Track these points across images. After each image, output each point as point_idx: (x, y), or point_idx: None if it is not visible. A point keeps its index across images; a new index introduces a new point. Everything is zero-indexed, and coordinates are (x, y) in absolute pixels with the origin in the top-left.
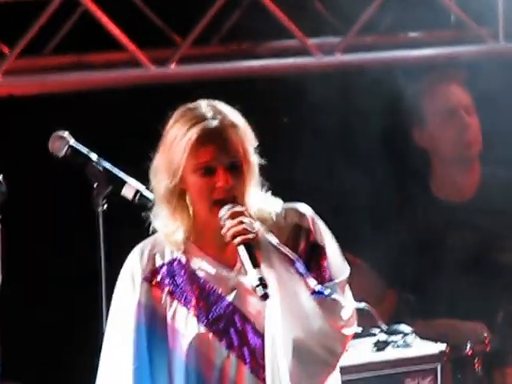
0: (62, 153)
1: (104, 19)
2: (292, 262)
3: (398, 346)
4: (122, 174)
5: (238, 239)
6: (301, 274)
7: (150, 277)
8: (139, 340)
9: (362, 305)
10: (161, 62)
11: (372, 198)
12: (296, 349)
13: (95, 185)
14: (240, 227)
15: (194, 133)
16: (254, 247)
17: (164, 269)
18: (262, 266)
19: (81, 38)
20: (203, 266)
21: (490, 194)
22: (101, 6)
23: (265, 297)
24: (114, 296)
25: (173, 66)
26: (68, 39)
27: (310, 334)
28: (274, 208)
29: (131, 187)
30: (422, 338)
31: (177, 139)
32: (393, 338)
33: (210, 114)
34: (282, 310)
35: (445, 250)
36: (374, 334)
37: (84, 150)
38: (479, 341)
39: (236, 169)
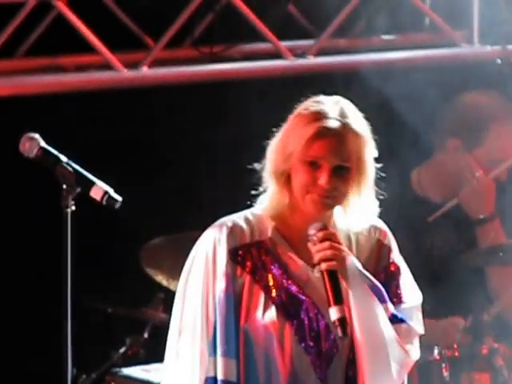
0: (33, 154)
1: (76, 22)
2: (375, 289)
3: None
4: (90, 176)
5: (325, 265)
6: (382, 301)
7: (235, 252)
8: (229, 309)
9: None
10: (133, 65)
11: None
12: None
13: (64, 186)
14: (329, 253)
15: (314, 127)
16: (338, 274)
17: (249, 247)
18: (347, 294)
19: (53, 41)
20: (287, 256)
21: None
22: (73, 9)
23: (344, 336)
24: (193, 263)
25: (145, 69)
26: (40, 42)
27: (387, 360)
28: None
29: (99, 189)
30: None
31: (296, 128)
32: None
33: (334, 114)
34: (362, 337)
35: (421, 251)
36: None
37: (54, 151)
38: (459, 330)
39: (342, 173)
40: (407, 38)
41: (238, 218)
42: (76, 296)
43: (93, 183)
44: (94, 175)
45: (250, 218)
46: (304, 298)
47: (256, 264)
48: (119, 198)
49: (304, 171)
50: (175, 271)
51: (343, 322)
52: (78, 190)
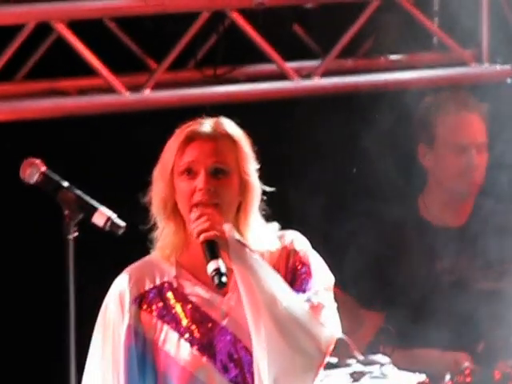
0: (34, 180)
1: (77, 44)
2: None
3: (374, 377)
4: (93, 201)
5: (202, 236)
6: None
7: (140, 300)
8: (131, 363)
9: (339, 334)
10: (135, 88)
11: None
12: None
13: (66, 212)
14: (206, 225)
15: (184, 132)
16: (217, 244)
17: (154, 292)
18: (232, 262)
19: (53, 64)
20: (195, 291)
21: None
22: (74, 31)
23: (221, 285)
24: (100, 319)
25: (147, 91)
26: (40, 65)
27: (291, 317)
28: (271, 237)
29: (102, 214)
30: (399, 368)
31: (169, 143)
32: (369, 368)
33: (206, 122)
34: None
35: (430, 276)
36: (350, 365)
37: (55, 177)
38: (459, 371)
39: (221, 176)
40: (415, 57)
41: (139, 264)
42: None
43: (95, 209)
44: (97, 201)
45: (152, 260)
46: (218, 329)
47: (163, 307)
48: (123, 224)
49: (182, 183)
50: None
51: (217, 271)
52: (81, 216)
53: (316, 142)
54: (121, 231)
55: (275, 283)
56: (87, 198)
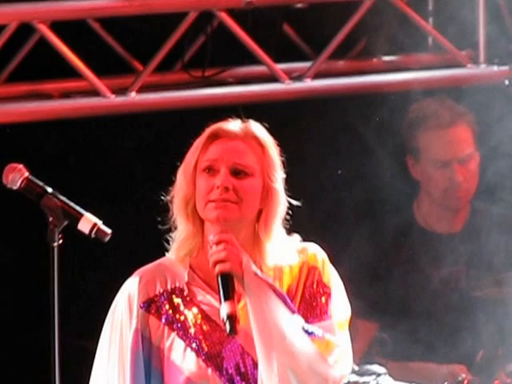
0: (17, 185)
1: (60, 46)
2: (280, 297)
3: None
4: (78, 208)
5: (218, 268)
6: (291, 311)
7: (148, 304)
8: (138, 368)
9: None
10: (121, 91)
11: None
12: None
13: (50, 219)
14: (222, 255)
15: (210, 130)
16: (232, 278)
17: (164, 297)
18: (245, 298)
19: (36, 66)
20: (206, 299)
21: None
22: (57, 32)
23: (232, 332)
24: (108, 321)
25: (133, 94)
26: (23, 67)
27: (298, 358)
28: (292, 251)
29: (88, 221)
30: (395, 379)
31: (194, 144)
32: (365, 378)
33: (235, 122)
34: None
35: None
36: None
37: (39, 182)
38: (456, 382)
39: (243, 176)
40: (409, 58)
41: (151, 266)
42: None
43: (81, 215)
44: (82, 207)
45: (165, 264)
46: (227, 340)
47: (172, 313)
48: (109, 231)
49: (201, 180)
50: None
51: (231, 318)
52: (66, 222)
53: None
54: (107, 238)
55: (287, 320)
56: (72, 204)
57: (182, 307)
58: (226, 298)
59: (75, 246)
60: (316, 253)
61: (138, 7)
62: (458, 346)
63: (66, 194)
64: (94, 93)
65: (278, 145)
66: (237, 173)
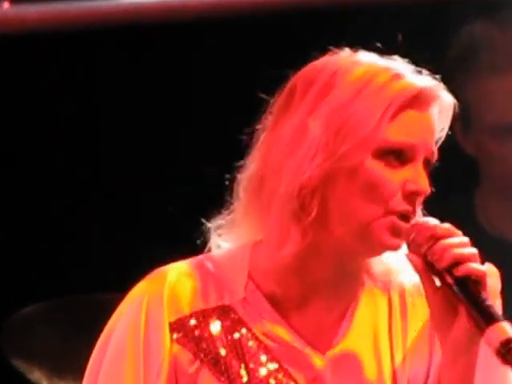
0: None
1: None
2: None
3: None
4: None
5: (464, 269)
6: None
7: (180, 327)
8: None
9: None
10: None
11: None
12: None
13: None
14: (469, 251)
15: (397, 89)
16: (480, 286)
17: (204, 319)
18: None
19: None
20: (273, 333)
21: None
22: None
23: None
24: (117, 333)
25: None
26: None
27: None
28: None
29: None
30: None
31: (361, 96)
32: None
33: (411, 72)
34: None
35: None
36: None
37: None
38: None
39: (427, 171)
40: None
41: (188, 267)
42: None
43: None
44: None
45: (209, 267)
46: None
47: (217, 345)
48: None
49: (383, 170)
50: (63, 363)
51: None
52: None
53: None
54: None
55: None
56: None
57: (232, 339)
58: (494, 318)
59: None
60: None
61: None
62: None
63: None
64: None
65: None
66: (427, 166)
